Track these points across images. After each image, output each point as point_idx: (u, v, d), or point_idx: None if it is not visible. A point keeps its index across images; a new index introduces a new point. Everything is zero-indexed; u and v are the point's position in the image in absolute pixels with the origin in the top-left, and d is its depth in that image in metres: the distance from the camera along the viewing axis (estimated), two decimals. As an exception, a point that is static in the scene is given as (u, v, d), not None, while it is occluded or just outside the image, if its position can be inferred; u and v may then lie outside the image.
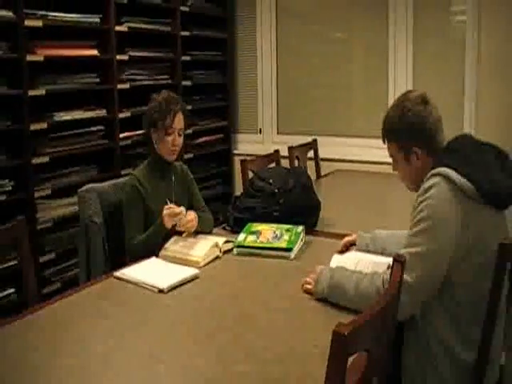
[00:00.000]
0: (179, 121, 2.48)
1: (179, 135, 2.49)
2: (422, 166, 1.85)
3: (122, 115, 3.91)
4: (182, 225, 2.34)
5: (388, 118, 1.91)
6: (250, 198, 2.62)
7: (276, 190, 2.58)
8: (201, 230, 2.43)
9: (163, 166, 2.54)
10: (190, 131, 4.51)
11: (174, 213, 2.30)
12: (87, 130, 3.71)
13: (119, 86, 3.86)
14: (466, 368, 1.74)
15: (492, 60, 4.14)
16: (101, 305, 1.87)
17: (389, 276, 1.45)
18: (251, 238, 2.35)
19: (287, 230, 2.39)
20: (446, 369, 1.75)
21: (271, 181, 2.63)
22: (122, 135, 3.92)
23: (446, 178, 1.69)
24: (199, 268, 2.14)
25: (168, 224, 2.30)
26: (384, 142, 1.95)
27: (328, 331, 1.10)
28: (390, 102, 4.12)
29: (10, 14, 3.13)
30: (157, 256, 2.26)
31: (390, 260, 1.56)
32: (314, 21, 4.85)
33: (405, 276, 1.56)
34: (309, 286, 1.89)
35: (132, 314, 1.79)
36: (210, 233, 2.51)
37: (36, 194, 3.35)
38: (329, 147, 4.59)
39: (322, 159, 4.26)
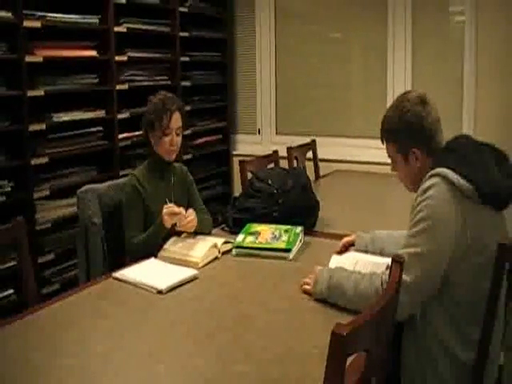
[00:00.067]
0: (176, 120, 2.48)
1: (177, 135, 2.49)
2: (420, 166, 1.85)
3: (121, 116, 3.91)
4: (183, 225, 2.35)
5: (387, 119, 1.92)
6: (249, 199, 2.63)
7: (275, 191, 2.59)
8: (200, 231, 2.43)
9: (163, 166, 2.55)
10: (188, 132, 4.52)
11: (173, 212, 2.31)
12: (86, 130, 3.71)
13: (118, 87, 3.87)
14: (466, 368, 1.74)
15: (491, 60, 4.14)
16: (100, 305, 1.87)
17: (388, 276, 1.45)
18: (250, 238, 2.35)
19: (286, 231, 2.39)
20: (446, 369, 1.75)
21: (270, 181, 2.63)
22: (121, 136, 3.93)
23: (445, 178, 1.69)
24: (198, 269, 2.14)
25: (167, 223, 2.30)
26: (383, 142, 1.95)
27: (327, 331, 1.10)
28: (389, 102, 4.11)
29: (9, 14, 3.13)
30: (156, 257, 2.27)
31: (388, 260, 1.56)
32: (312, 21, 4.86)
33: (403, 276, 1.56)
34: (308, 287, 1.89)
35: (132, 314, 1.80)
36: (209, 234, 2.51)
37: (35, 195, 3.35)
38: (328, 148, 4.59)
39: (321, 160, 4.26)
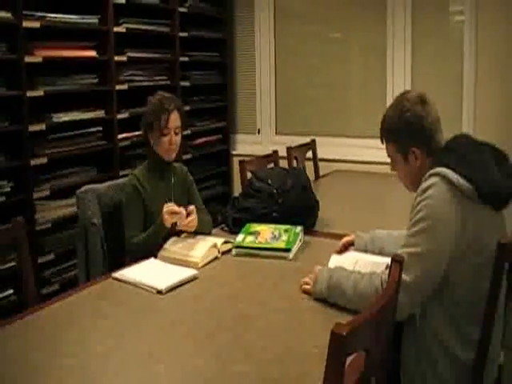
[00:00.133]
0: (174, 120, 2.48)
1: (176, 134, 2.49)
2: (420, 166, 1.85)
3: (120, 116, 3.91)
4: (183, 225, 2.35)
5: (386, 118, 1.92)
6: (249, 199, 2.63)
7: (274, 191, 2.59)
8: (200, 231, 2.43)
9: (162, 166, 2.55)
10: (188, 132, 4.52)
11: (173, 210, 2.31)
12: (86, 130, 3.72)
13: (118, 87, 3.87)
14: (466, 368, 1.74)
15: (490, 60, 4.14)
16: (100, 305, 1.87)
17: (387, 276, 1.45)
18: (250, 238, 2.35)
19: (286, 231, 2.40)
20: (446, 369, 1.75)
21: (270, 181, 2.64)
22: (120, 136, 3.93)
23: (445, 177, 1.69)
24: (198, 269, 2.14)
25: (167, 222, 2.30)
26: (382, 142, 1.95)
27: (327, 331, 1.10)
28: (389, 102, 4.11)
29: (9, 15, 3.14)
30: (155, 257, 2.27)
31: (388, 260, 1.56)
32: (312, 21, 4.86)
33: (403, 276, 1.56)
34: (307, 287, 1.90)
35: (132, 314, 1.80)
36: (209, 234, 2.51)
37: (35, 195, 3.35)
38: (327, 147, 4.59)
39: (321, 159, 4.26)
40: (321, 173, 4.18)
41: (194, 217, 2.36)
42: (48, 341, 1.61)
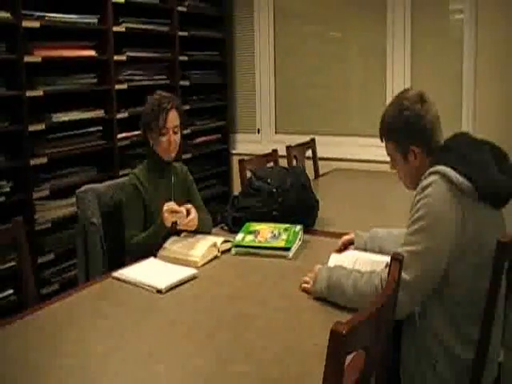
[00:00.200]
0: (173, 119, 2.48)
1: (175, 133, 2.49)
2: (419, 164, 1.85)
3: (119, 116, 3.91)
4: (183, 224, 2.35)
5: (386, 117, 1.91)
6: (249, 198, 2.63)
7: (274, 190, 2.59)
8: (200, 231, 2.43)
9: (162, 166, 2.55)
10: (188, 131, 4.52)
11: (173, 209, 2.31)
12: (86, 130, 3.71)
13: (117, 87, 3.86)
14: (466, 367, 1.74)
15: (490, 58, 4.14)
16: (100, 305, 1.87)
17: (387, 275, 1.45)
18: (249, 237, 2.35)
19: (285, 230, 2.39)
20: (446, 368, 1.75)
21: (269, 180, 2.63)
22: (120, 135, 3.92)
23: (444, 176, 1.69)
24: (197, 268, 2.14)
25: (168, 221, 2.30)
26: (382, 140, 1.95)
27: (326, 330, 1.10)
28: (388, 100, 4.11)
29: (8, 15, 3.13)
30: (155, 256, 2.27)
31: (387, 259, 1.56)
32: (311, 20, 4.86)
33: (403, 274, 1.57)
34: (307, 285, 1.90)
35: (131, 314, 1.80)
36: (209, 233, 2.51)
37: (34, 195, 3.34)
38: (327, 146, 4.59)
39: (320, 158, 4.27)
40: (320, 172, 4.19)
41: (194, 216, 2.36)
42: (48, 341, 1.61)
